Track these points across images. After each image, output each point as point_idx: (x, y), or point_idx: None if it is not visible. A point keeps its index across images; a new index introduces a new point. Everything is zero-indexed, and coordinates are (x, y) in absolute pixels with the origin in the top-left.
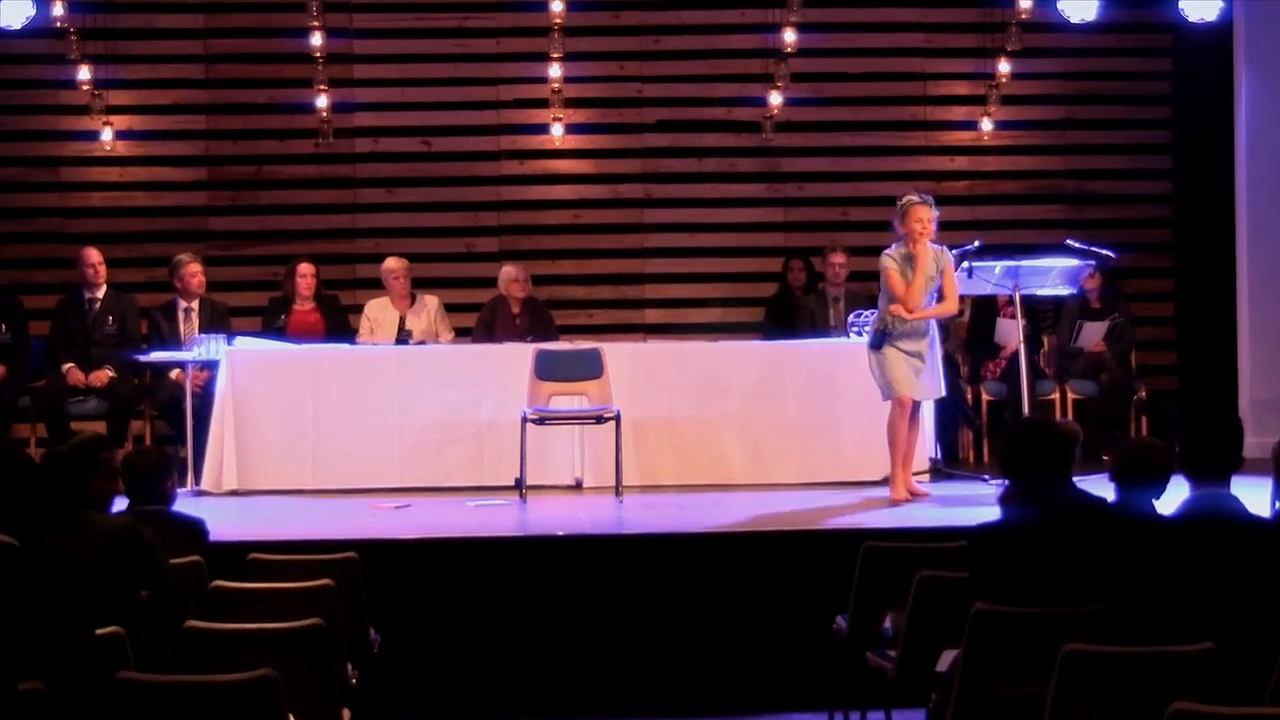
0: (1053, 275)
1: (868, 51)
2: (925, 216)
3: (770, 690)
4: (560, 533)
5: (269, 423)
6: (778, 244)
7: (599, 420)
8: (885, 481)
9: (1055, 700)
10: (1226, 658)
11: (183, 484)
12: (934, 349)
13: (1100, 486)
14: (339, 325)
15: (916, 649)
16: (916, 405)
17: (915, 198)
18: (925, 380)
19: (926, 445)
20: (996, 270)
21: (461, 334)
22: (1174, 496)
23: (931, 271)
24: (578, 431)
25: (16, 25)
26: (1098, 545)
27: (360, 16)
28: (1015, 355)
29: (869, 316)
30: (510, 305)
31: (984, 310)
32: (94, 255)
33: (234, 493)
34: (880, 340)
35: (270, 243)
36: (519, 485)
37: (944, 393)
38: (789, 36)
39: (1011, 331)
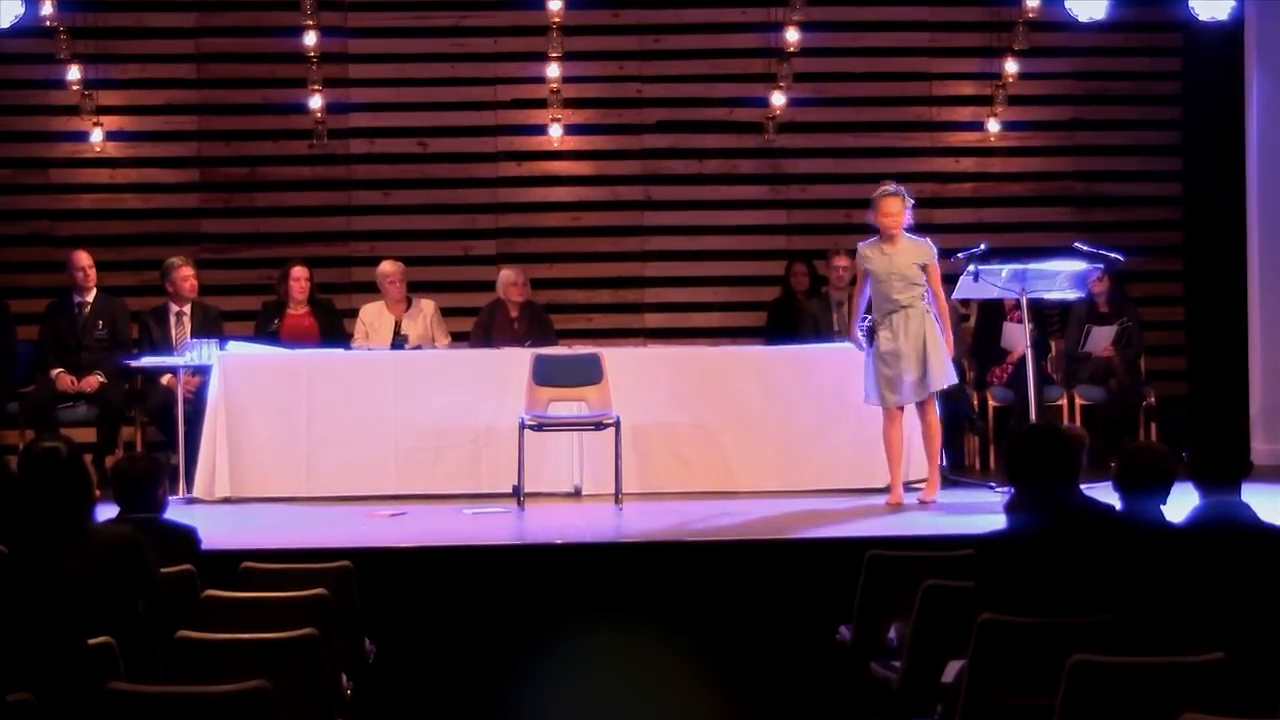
0: (1060, 279)
1: (872, 51)
2: (892, 209)
3: (772, 700)
4: (559, 541)
5: (262, 429)
6: (780, 247)
7: (598, 426)
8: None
9: (1062, 712)
10: (1237, 668)
11: (174, 491)
12: (929, 341)
13: (1108, 493)
14: (333, 330)
15: (921, 659)
16: (923, 404)
17: (889, 188)
18: (913, 380)
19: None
20: (1003, 274)
21: (458, 338)
22: (1183, 503)
23: (905, 265)
24: (576, 438)
25: (5, 24)
26: (1105, 554)
27: (355, 15)
28: (1022, 360)
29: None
30: (508, 309)
31: (990, 314)
32: (84, 258)
33: (226, 500)
34: (869, 338)
35: (264, 246)
36: (517, 493)
37: (943, 385)
38: (791, 35)
39: (1018, 336)
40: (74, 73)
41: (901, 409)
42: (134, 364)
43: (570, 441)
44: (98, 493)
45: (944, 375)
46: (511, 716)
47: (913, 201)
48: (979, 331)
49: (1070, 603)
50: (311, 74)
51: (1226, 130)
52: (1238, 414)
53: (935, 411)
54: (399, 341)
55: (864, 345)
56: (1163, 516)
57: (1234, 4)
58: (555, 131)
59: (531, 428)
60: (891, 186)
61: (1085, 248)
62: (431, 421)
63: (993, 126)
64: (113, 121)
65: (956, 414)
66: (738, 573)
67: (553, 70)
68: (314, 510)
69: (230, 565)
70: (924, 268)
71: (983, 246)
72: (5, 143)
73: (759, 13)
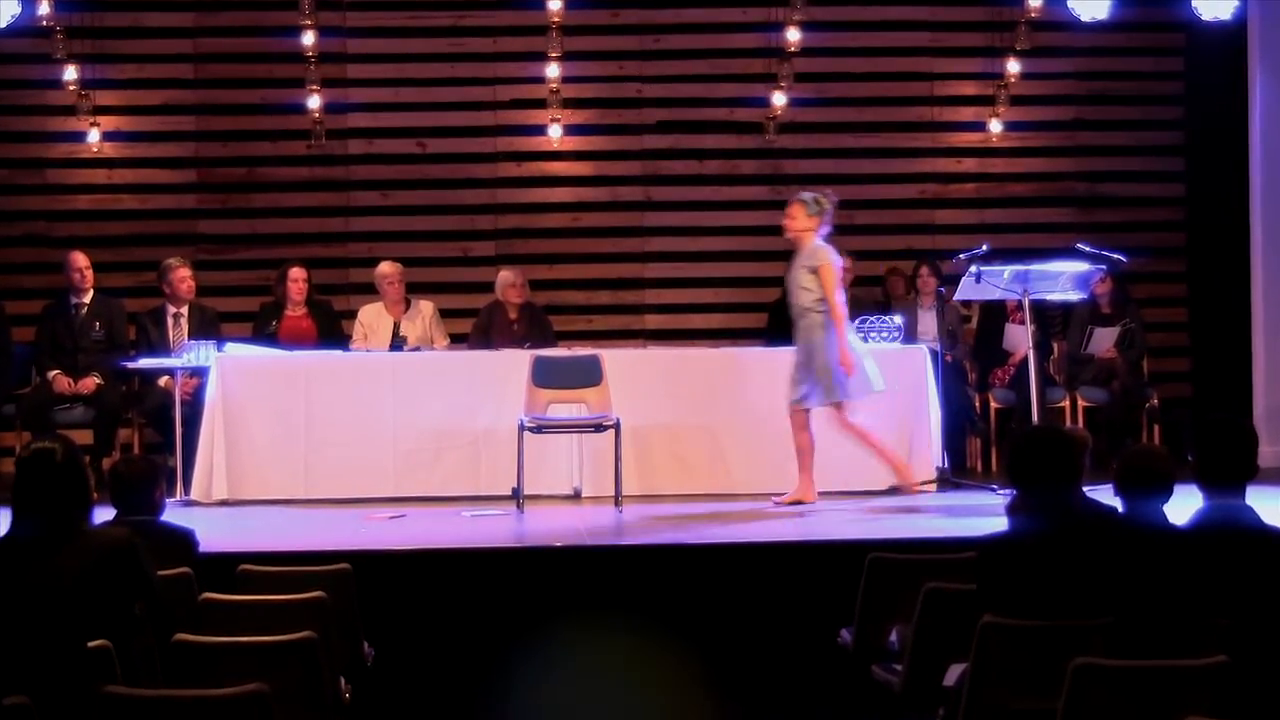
0: (1062, 280)
1: (873, 51)
2: (788, 213)
3: (773, 705)
4: (558, 544)
5: (260, 431)
6: (781, 248)
7: (598, 428)
8: (891, 491)
9: (1065, 715)
10: (1241, 672)
11: (171, 493)
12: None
13: (1110, 496)
14: (332, 331)
15: (923, 663)
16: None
17: (799, 193)
18: (810, 386)
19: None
20: (1005, 275)
21: (457, 340)
22: (1185, 506)
23: (796, 270)
24: (576, 440)
25: (2, 24)
26: (1108, 556)
27: (353, 15)
28: (1024, 362)
29: (874, 322)
30: (507, 311)
31: (992, 316)
32: (81, 259)
33: (224, 503)
34: None
35: (261, 247)
36: (516, 495)
37: (828, 399)
38: (792, 35)
39: (1020, 337)
40: (71, 73)
41: (807, 411)
42: (131, 365)
43: (570, 444)
44: (95, 495)
45: (829, 389)
46: None
47: (828, 208)
48: (981, 333)
49: (1073, 605)
50: (310, 74)
51: (1229, 130)
52: (1243, 416)
53: (848, 416)
54: (398, 343)
55: None
56: (1165, 519)
57: (1237, 4)
58: (555, 132)
59: (531, 430)
60: (804, 193)
61: (1087, 248)
62: (430, 423)
63: (995, 127)
64: (110, 122)
65: (958, 415)
66: (738, 575)
67: (552, 70)
68: (312, 513)
69: (228, 568)
70: (814, 271)
71: (984, 247)
72: (2, 143)
73: (759, 12)
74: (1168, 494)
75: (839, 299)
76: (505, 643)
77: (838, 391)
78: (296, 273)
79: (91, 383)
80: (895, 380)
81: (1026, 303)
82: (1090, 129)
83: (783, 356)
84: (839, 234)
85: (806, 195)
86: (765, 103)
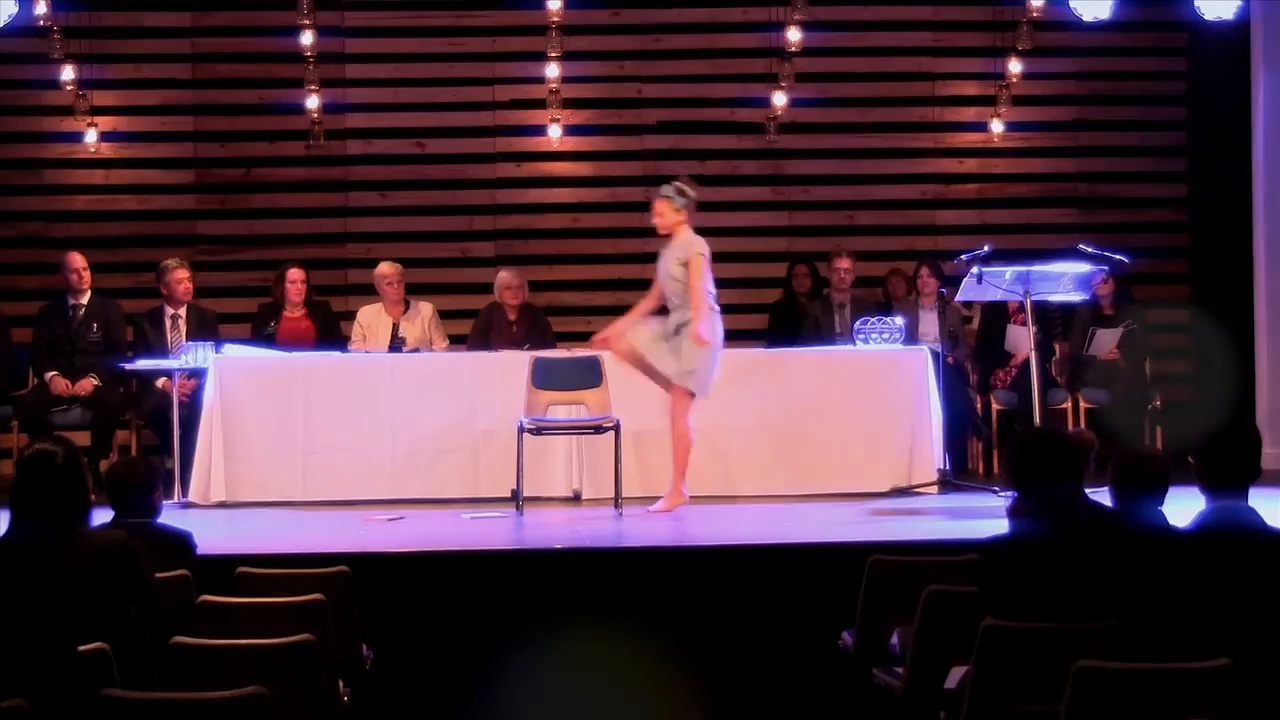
0: (1064, 281)
1: (874, 50)
2: (655, 209)
3: (774, 708)
4: (558, 546)
5: (258, 432)
6: (782, 249)
7: (598, 430)
8: (893, 493)
9: (1067, 718)
10: (1244, 675)
11: (169, 495)
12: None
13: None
14: (330, 332)
15: (925, 666)
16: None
17: (662, 188)
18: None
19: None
20: (1006, 275)
21: (456, 341)
22: (1187, 508)
23: (668, 263)
24: (576, 442)
25: None
26: (1111, 558)
27: (352, 14)
28: (1026, 363)
29: (876, 323)
30: (506, 312)
31: (994, 317)
32: (78, 260)
33: (222, 504)
34: None
35: (260, 247)
36: (515, 497)
37: (682, 381)
38: (793, 35)
39: (1022, 339)
40: (68, 73)
41: (692, 396)
42: (129, 367)
43: (569, 445)
44: (94, 497)
45: (684, 374)
46: None
47: (693, 195)
48: (982, 334)
49: (1075, 608)
50: (308, 74)
51: (1232, 131)
52: (1246, 418)
53: (681, 419)
54: (396, 344)
55: None
56: (1162, 519)
57: (1240, 3)
58: (554, 132)
59: (530, 431)
60: (665, 187)
61: (1090, 249)
62: (429, 425)
63: (996, 127)
64: (107, 122)
65: (960, 417)
66: (739, 578)
67: (552, 70)
68: (310, 515)
69: (226, 570)
70: (685, 263)
71: (986, 248)
72: None
73: (760, 12)
74: (1163, 495)
75: (705, 288)
76: (504, 646)
77: (682, 378)
78: (295, 274)
79: (89, 384)
80: (896, 382)
81: (1028, 304)
82: (1092, 129)
83: (783, 358)
84: (840, 234)
85: (668, 189)
86: (766, 103)
